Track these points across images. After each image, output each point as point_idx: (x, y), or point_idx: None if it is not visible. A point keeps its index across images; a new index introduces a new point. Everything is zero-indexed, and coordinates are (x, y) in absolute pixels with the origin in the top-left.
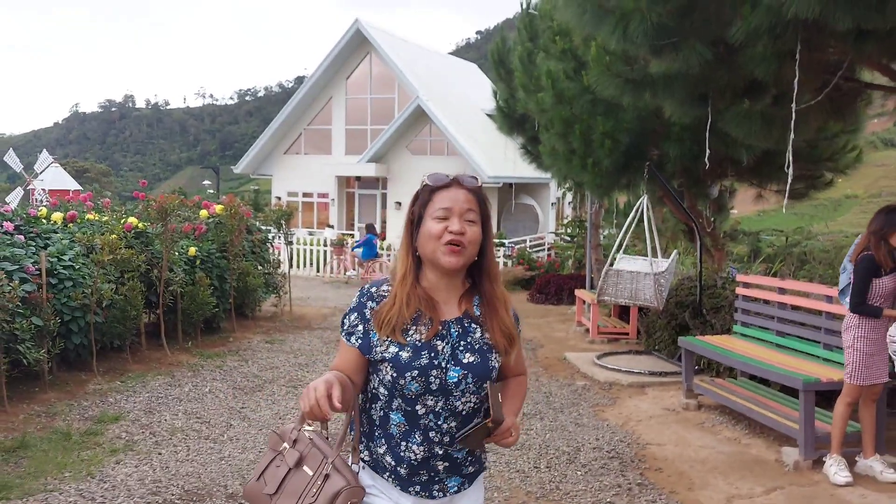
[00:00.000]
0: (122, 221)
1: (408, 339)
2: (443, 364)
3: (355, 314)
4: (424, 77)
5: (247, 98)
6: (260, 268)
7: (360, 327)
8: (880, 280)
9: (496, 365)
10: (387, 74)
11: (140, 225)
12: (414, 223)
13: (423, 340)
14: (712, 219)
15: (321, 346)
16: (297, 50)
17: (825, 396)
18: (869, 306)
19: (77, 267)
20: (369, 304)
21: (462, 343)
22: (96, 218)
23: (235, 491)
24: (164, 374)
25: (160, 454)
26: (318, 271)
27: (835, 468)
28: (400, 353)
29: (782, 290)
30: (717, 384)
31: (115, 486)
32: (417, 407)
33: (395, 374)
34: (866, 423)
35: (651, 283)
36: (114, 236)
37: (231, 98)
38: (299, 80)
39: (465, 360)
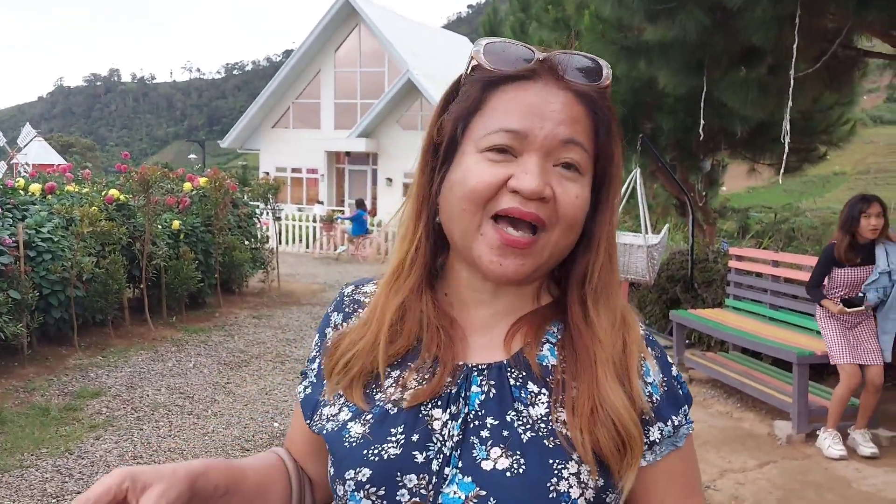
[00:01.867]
0: (102, 193)
1: (376, 398)
2: (434, 465)
3: (317, 337)
4: (415, 51)
5: (234, 72)
6: (246, 243)
7: (316, 364)
8: (840, 270)
9: (574, 493)
10: (376, 48)
11: (121, 197)
12: (437, 154)
13: (403, 405)
14: (704, 193)
15: (309, 321)
16: (286, 22)
17: (817, 370)
18: (815, 291)
19: (56, 239)
20: (334, 317)
21: (490, 422)
22: (76, 190)
23: None
24: (147, 349)
25: (141, 430)
26: (307, 247)
27: (829, 441)
28: (348, 425)
29: (776, 263)
30: (708, 358)
31: (94, 461)
32: None
33: (332, 473)
34: (866, 405)
35: (644, 256)
36: (94, 208)
37: (218, 72)
38: (288, 54)
39: (486, 466)
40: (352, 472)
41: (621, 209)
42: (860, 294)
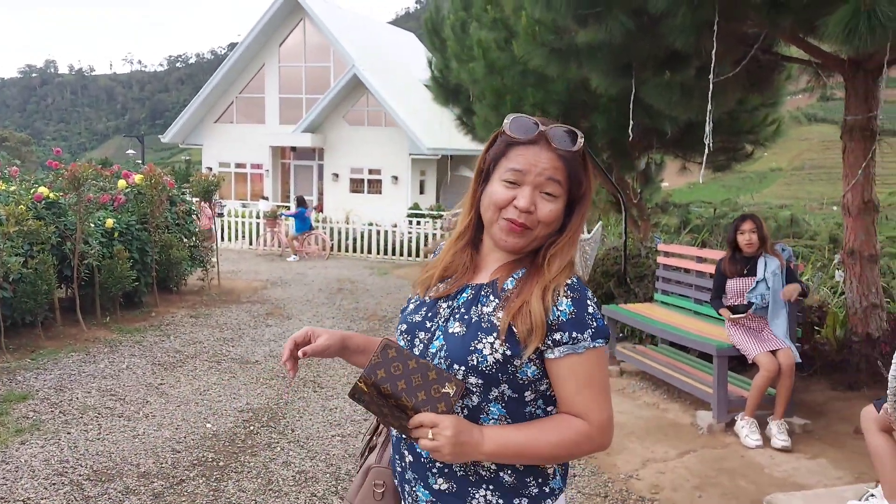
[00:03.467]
0: (31, 191)
1: (426, 294)
2: (432, 328)
3: None
4: (361, 46)
5: (178, 65)
6: (185, 240)
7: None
8: (730, 281)
9: (486, 351)
10: (321, 42)
11: (51, 195)
12: (482, 175)
13: (432, 297)
14: (639, 190)
15: (249, 319)
16: (231, 14)
17: (741, 362)
18: (715, 302)
19: None
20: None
21: (462, 311)
22: (3, 188)
23: (148, 469)
24: (78, 351)
25: (69, 433)
26: (250, 244)
27: (746, 430)
28: (409, 304)
29: (700, 259)
30: (637, 351)
31: (19, 466)
32: None
33: (398, 325)
34: (781, 391)
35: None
36: (21, 206)
37: (161, 65)
38: (233, 47)
39: (450, 330)
40: (400, 325)
41: None
42: (745, 302)
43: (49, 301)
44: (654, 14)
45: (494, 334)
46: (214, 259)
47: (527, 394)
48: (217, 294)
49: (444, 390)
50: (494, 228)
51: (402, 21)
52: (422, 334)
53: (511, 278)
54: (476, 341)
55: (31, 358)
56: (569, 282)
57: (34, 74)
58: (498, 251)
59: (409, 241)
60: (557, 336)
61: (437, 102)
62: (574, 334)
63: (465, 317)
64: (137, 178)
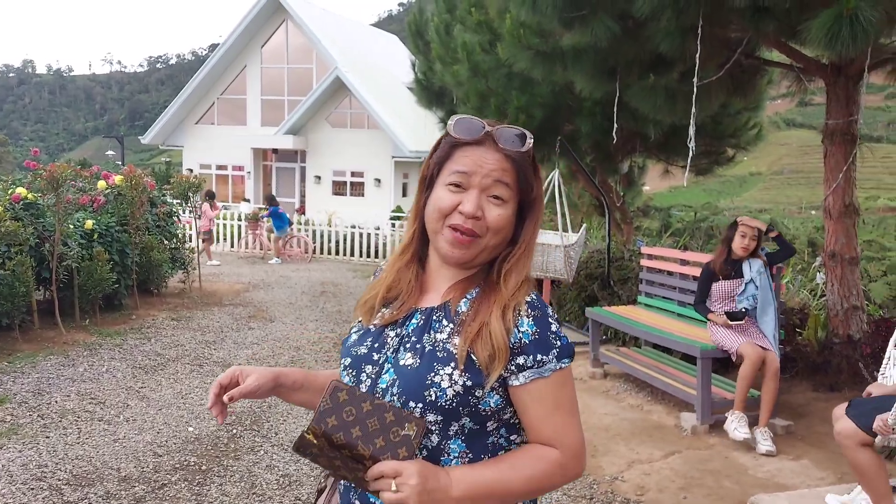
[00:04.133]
0: (8, 192)
1: (370, 322)
2: (380, 360)
3: None
4: (344, 48)
5: (158, 65)
6: (166, 242)
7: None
8: (717, 284)
9: (445, 384)
10: (304, 44)
11: (29, 196)
12: (426, 182)
13: (377, 325)
14: (622, 193)
15: (231, 322)
16: (213, 15)
17: (724, 364)
18: (701, 307)
19: None
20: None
21: (413, 339)
22: None
23: (129, 474)
24: (57, 354)
25: (48, 438)
26: (232, 246)
27: (735, 424)
28: (351, 334)
29: (684, 262)
30: (621, 353)
31: None
32: None
33: (341, 358)
34: (766, 395)
35: (561, 256)
36: None
37: (141, 65)
38: (214, 48)
39: (401, 362)
40: (344, 359)
41: (545, 210)
42: (742, 309)
43: (27, 303)
44: (638, 18)
45: (452, 364)
46: (196, 261)
47: (489, 424)
48: (198, 297)
49: (403, 432)
50: (440, 240)
51: (384, 24)
52: (369, 368)
53: (465, 299)
54: (432, 374)
55: (8, 361)
56: (528, 299)
57: (11, 74)
58: (446, 268)
59: (392, 243)
60: (521, 360)
61: (420, 105)
62: (539, 357)
63: (417, 346)
64: (118, 178)
